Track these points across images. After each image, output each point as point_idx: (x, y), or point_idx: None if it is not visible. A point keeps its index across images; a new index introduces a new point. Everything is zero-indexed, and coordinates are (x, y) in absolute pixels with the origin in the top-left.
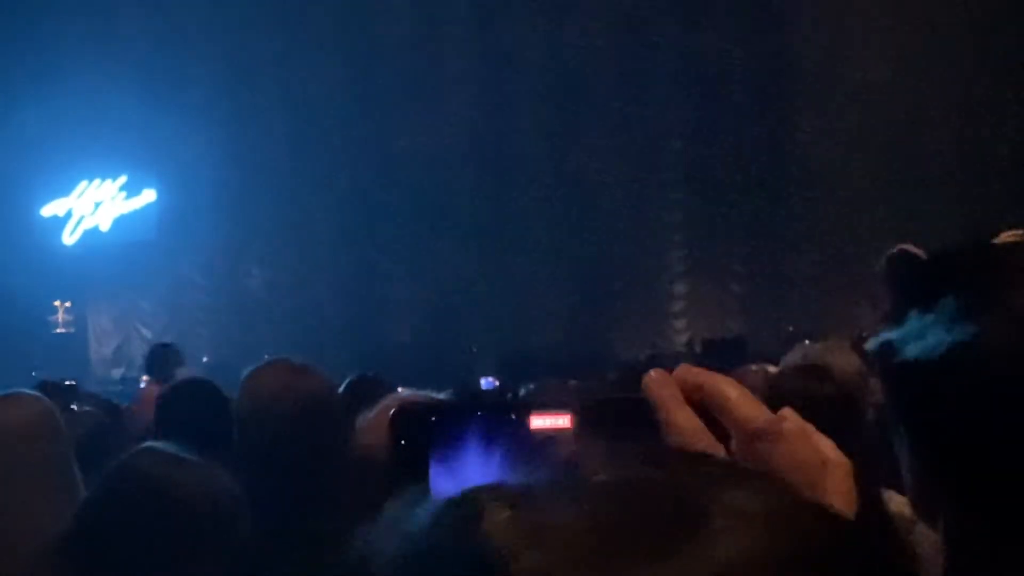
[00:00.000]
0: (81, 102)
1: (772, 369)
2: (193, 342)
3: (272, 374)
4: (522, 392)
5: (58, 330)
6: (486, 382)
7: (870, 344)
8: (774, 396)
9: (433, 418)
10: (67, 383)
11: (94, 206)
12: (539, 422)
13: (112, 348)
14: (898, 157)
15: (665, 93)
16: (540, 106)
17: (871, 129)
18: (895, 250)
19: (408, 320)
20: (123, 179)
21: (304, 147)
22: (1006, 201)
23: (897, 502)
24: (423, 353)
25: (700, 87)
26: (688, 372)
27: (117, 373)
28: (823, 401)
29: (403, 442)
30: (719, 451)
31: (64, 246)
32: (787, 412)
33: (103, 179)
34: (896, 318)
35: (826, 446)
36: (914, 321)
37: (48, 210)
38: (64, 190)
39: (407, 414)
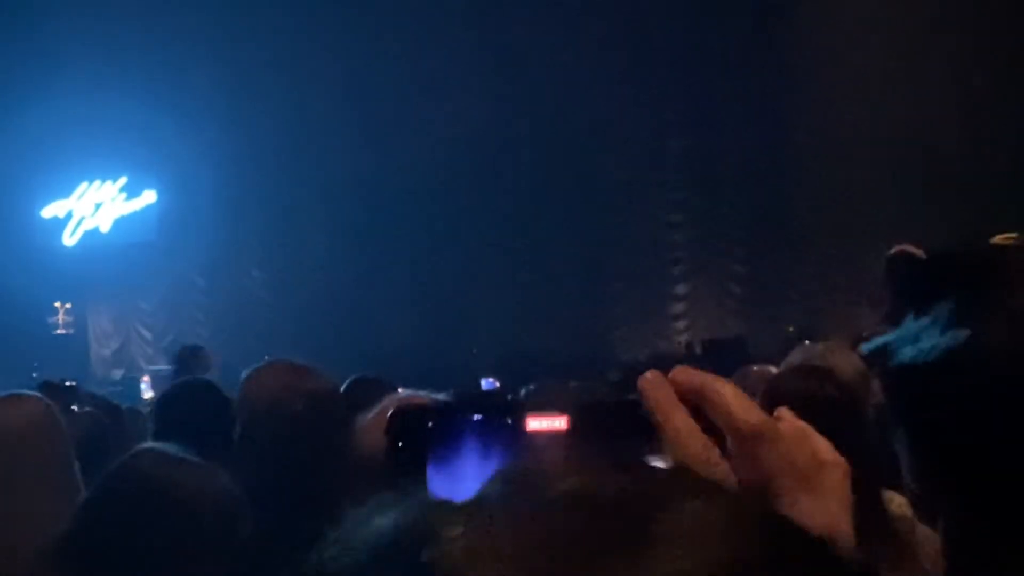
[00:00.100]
0: (81, 104)
1: (773, 370)
2: (193, 342)
3: (273, 374)
4: (522, 392)
5: (58, 331)
6: (486, 383)
7: (866, 346)
8: (774, 397)
9: (430, 422)
10: (67, 384)
11: (94, 207)
12: (535, 424)
13: (112, 349)
14: (899, 157)
15: (665, 93)
16: (539, 106)
17: (871, 129)
18: (895, 250)
19: (408, 320)
20: (123, 180)
21: (304, 148)
22: (1006, 201)
23: (897, 502)
24: (423, 353)
25: (700, 87)
26: (684, 374)
27: (117, 374)
28: (824, 402)
29: (400, 444)
30: (714, 453)
31: (64, 247)
32: (783, 413)
33: (103, 180)
34: (895, 319)
35: (823, 447)
36: (910, 323)
37: (48, 211)
38: (64, 191)
39: (404, 417)
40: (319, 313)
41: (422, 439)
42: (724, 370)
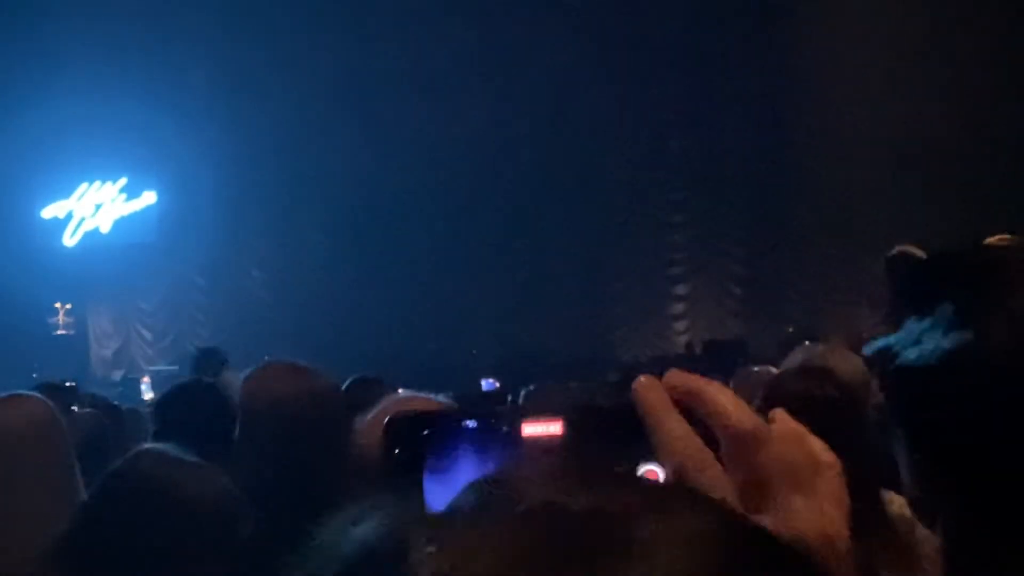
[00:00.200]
0: (81, 104)
1: (773, 370)
2: (193, 342)
3: (273, 374)
4: (522, 393)
5: (58, 331)
6: (486, 383)
7: (868, 348)
8: (775, 397)
9: (426, 429)
10: (67, 384)
11: (94, 208)
12: (530, 430)
13: (112, 349)
14: (898, 157)
15: (665, 93)
16: (539, 107)
17: (871, 129)
18: (895, 251)
19: (408, 320)
20: (123, 181)
21: (304, 149)
22: (1006, 201)
23: (898, 503)
24: (423, 353)
25: (700, 87)
26: (677, 377)
27: (117, 374)
28: (824, 403)
29: (396, 452)
30: (708, 456)
31: (64, 248)
32: (778, 414)
33: (103, 181)
34: (895, 319)
35: (818, 447)
36: (912, 325)
37: (49, 212)
38: (65, 192)
39: (400, 425)
40: (319, 313)
41: (418, 446)
42: (724, 371)
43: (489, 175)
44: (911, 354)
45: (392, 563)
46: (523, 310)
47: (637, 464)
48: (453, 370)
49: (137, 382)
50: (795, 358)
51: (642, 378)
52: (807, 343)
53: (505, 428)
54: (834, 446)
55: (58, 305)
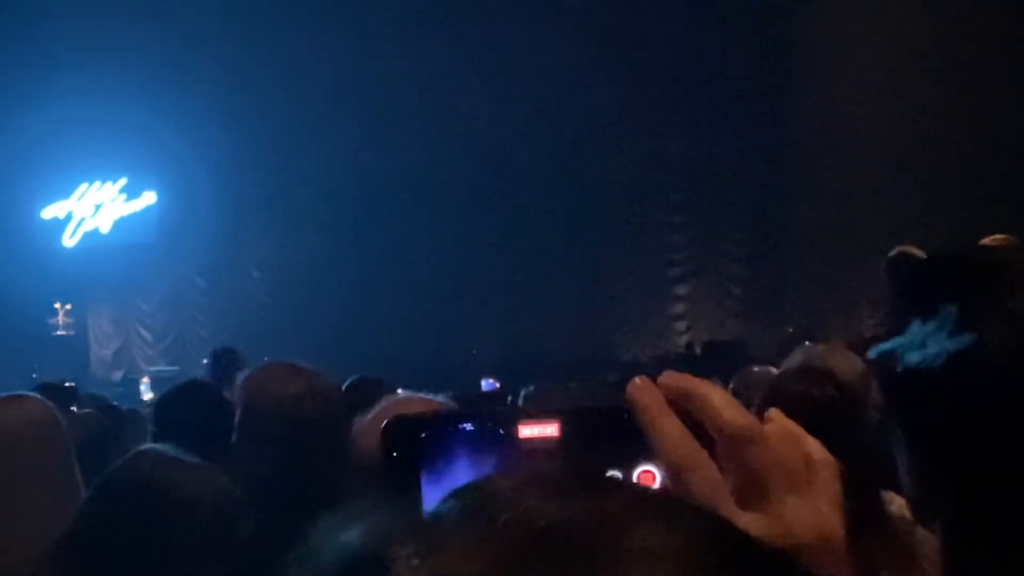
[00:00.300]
0: (81, 104)
1: (773, 371)
2: (193, 343)
3: (273, 374)
4: (522, 393)
5: (58, 332)
6: (487, 383)
7: (871, 352)
8: (775, 398)
9: (423, 433)
10: (67, 385)
11: (94, 208)
12: (527, 432)
13: (112, 350)
14: (899, 157)
15: (665, 93)
16: (539, 107)
17: (871, 129)
18: (895, 251)
19: (408, 320)
20: (123, 181)
21: (304, 149)
22: (1006, 201)
23: (898, 503)
24: (423, 353)
25: (700, 87)
26: (672, 378)
27: (117, 375)
28: (824, 403)
29: (394, 455)
30: (703, 456)
31: (64, 248)
32: (773, 414)
33: (103, 181)
34: (896, 320)
35: (813, 447)
36: (915, 329)
37: (48, 212)
38: (64, 192)
39: (397, 428)
40: (319, 313)
41: (415, 450)
42: (724, 371)
43: (489, 175)
44: (915, 357)
45: (377, 568)
46: (523, 310)
47: (634, 465)
48: (453, 370)
49: (137, 383)
50: (795, 358)
51: (637, 379)
52: (807, 343)
53: (501, 430)
54: (834, 446)
55: (58, 305)
